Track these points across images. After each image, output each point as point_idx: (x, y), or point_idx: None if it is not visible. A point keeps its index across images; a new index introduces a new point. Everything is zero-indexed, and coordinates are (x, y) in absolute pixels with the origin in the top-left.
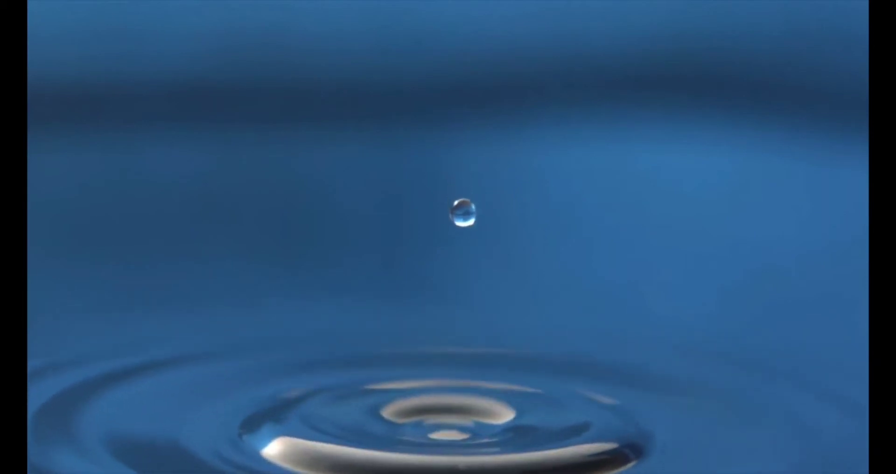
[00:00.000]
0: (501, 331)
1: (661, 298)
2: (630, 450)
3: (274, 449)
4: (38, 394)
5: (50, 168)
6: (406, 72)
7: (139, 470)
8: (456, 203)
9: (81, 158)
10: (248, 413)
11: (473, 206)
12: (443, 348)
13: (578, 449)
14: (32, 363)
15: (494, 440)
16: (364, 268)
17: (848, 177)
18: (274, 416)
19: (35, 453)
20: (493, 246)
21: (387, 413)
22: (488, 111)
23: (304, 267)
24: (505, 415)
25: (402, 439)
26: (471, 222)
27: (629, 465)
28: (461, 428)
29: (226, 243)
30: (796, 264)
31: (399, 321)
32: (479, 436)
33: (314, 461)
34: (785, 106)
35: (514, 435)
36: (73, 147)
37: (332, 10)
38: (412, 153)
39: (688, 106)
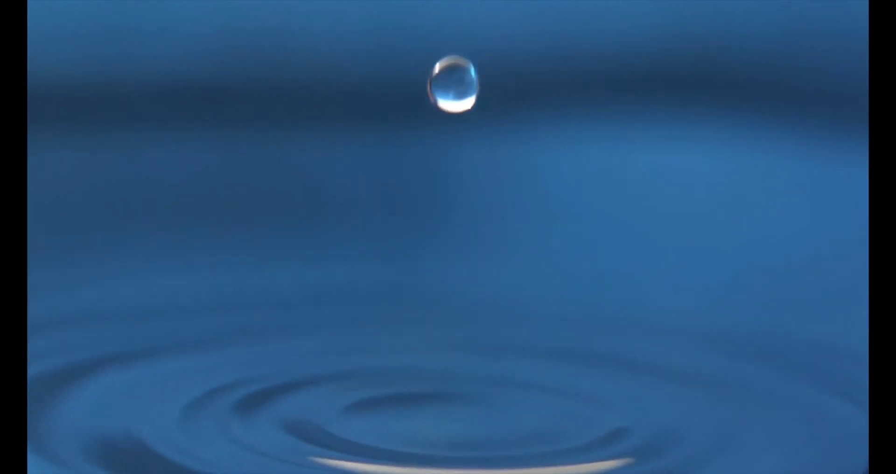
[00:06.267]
0: (500, 329)
1: (659, 295)
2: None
3: None
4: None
5: (50, 168)
6: (407, 72)
7: None
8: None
9: (81, 158)
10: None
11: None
12: (440, 349)
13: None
14: (32, 365)
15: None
16: (363, 268)
17: (848, 176)
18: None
19: None
20: (493, 246)
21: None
22: (489, 111)
23: (303, 267)
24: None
25: None
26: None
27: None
28: None
29: (225, 243)
30: (795, 264)
31: (398, 320)
32: None
33: None
34: (785, 106)
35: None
36: (73, 147)
37: (332, 10)
38: (412, 153)
39: (688, 106)
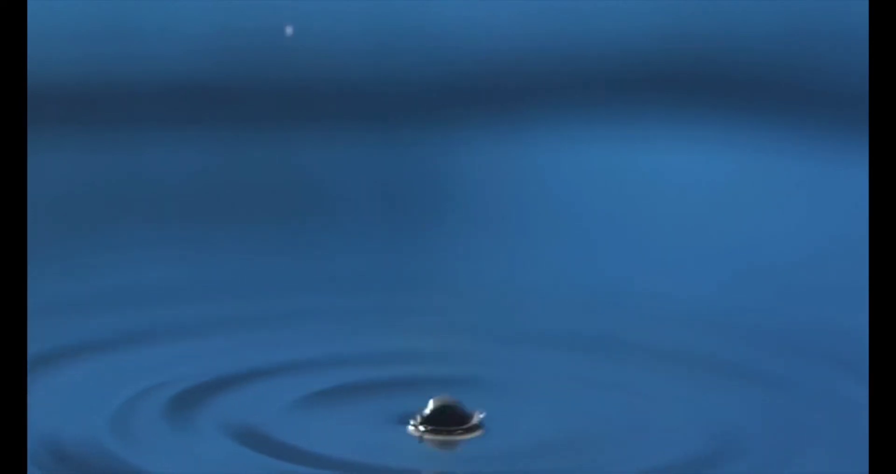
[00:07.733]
0: (499, 329)
1: (659, 292)
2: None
3: None
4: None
5: (50, 168)
6: (407, 72)
7: None
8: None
9: (81, 158)
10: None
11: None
12: (439, 345)
13: None
14: (32, 362)
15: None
16: (362, 269)
17: (848, 176)
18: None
19: None
20: (493, 246)
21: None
22: (489, 111)
23: (303, 267)
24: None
25: None
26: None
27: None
28: None
29: (225, 243)
30: (795, 265)
31: (398, 321)
32: None
33: None
34: (785, 106)
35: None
36: (73, 147)
37: (332, 10)
38: (412, 153)
39: (688, 106)
